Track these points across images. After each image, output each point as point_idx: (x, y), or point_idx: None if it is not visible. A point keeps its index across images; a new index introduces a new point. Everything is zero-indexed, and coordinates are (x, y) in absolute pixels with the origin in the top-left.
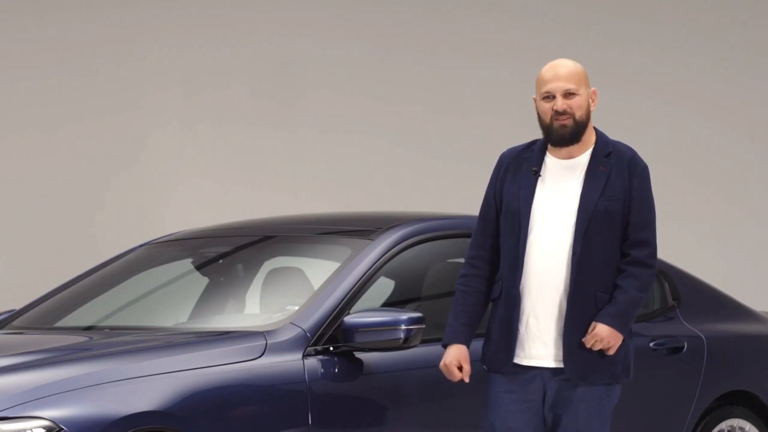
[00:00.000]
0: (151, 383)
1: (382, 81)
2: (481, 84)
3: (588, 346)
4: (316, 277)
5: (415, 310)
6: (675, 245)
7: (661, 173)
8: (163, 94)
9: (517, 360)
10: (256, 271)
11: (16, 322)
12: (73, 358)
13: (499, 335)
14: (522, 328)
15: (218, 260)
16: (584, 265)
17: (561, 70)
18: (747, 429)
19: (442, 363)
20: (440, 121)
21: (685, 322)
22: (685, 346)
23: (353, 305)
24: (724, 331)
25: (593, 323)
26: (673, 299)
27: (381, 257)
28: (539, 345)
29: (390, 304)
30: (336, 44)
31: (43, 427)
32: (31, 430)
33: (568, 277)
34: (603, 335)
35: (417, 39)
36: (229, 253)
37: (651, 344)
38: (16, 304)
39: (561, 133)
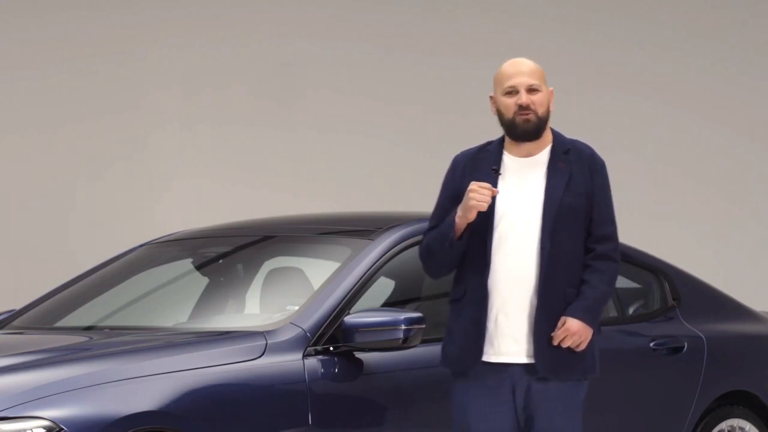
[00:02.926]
0: (151, 383)
1: (382, 81)
2: (481, 84)
3: (557, 341)
4: (316, 277)
5: (415, 310)
6: (675, 245)
7: (661, 173)
8: (163, 94)
9: (485, 358)
10: (256, 271)
11: (16, 322)
12: (73, 358)
13: (466, 334)
14: (491, 326)
15: (218, 260)
16: (553, 261)
17: (523, 66)
18: (747, 429)
19: (470, 189)
20: (440, 121)
21: (685, 322)
22: (685, 346)
23: (353, 305)
24: (724, 331)
25: (563, 318)
26: (673, 299)
27: (381, 257)
28: (510, 342)
29: (390, 304)
30: (336, 44)
31: (43, 427)
32: (31, 430)
33: (538, 273)
34: (573, 330)
35: (417, 39)
36: (229, 253)
37: (651, 344)
38: (16, 304)
39: (525, 128)
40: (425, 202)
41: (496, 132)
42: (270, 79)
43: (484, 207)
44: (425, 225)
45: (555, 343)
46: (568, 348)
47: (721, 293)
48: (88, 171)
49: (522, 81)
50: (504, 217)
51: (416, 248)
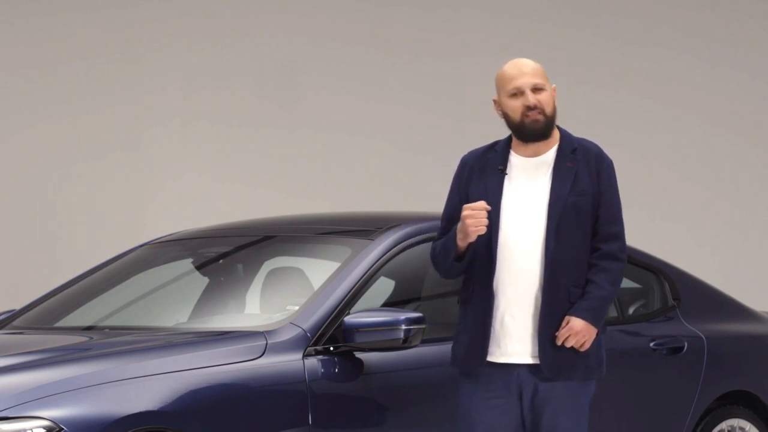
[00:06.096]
0: (151, 383)
1: (382, 81)
2: (482, 85)
3: (561, 341)
4: (316, 277)
5: (415, 310)
6: (675, 245)
7: (661, 173)
8: (163, 94)
9: (492, 358)
10: (256, 271)
11: (16, 322)
12: (73, 358)
13: (473, 334)
14: (497, 326)
15: (218, 260)
16: (557, 261)
17: (525, 66)
18: (747, 429)
19: (465, 215)
20: (440, 122)
21: (685, 322)
22: (685, 346)
23: (353, 305)
24: (724, 331)
25: (567, 318)
26: (673, 299)
27: (381, 257)
28: (515, 342)
29: (390, 304)
30: (336, 44)
31: (43, 427)
32: (31, 430)
33: (542, 273)
34: (577, 329)
35: (417, 39)
36: (229, 253)
37: (651, 344)
38: (16, 304)
39: (534, 128)
40: (425, 202)
41: (495, 132)
42: (270, 79)
43: (483, 230)
44: (425, 225)
45: (559, 342)
46: (572, 348)
47: (721, 293)
48: (88, 170)
49: (526, 81)
50: (509, 218)
51: (417, 248)
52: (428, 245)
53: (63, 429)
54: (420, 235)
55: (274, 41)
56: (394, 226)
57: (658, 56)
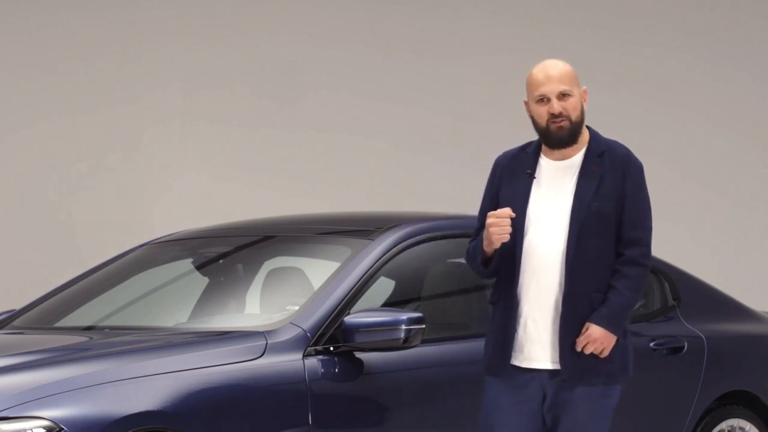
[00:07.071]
0: (151, 383)
1: (382, 81)
2: (482, 85)
3: (580, 348)
4: (316, 277)
5: (415, 310)
6: (675, 245)
7: (661, 173)
8: (163, 94)
9: (516, 362)
10: (256, 271)
11: (16, 322)
12: (73, 358)
13: (497, 338)
14: (520, 331)
15: (218, 260)
16: (578, 266)
17: (553, 71)
18: (747, 429)
19: (489, 223)
20: (440, 122)
21: (685, 322)
22: (685, 346)
23: (353, 305)
24: (724, 331)
25: (586, 324)
26: (673, 299)
27: (381, 257)
28: (537, 348)
29: (390, 304)
30: (336, 44)
31: (43, 427)
32: (31, 430)
33: (563, 280)
34: (595, 336)
35: (417, 39)
36: (229, 253)
37: (651, 344)
38: (16, 304)
39: (559, 136)
40: (425, 202)
41: (495, 133)
42: (270, 79)
43: (506, 238)
44: (425, 225)
45: (578, 349)
46: (593, 354)
47: (721, 293)
48: (88, 170)
49: (552, 88)
50: (534, 224)
51: (417, 248)
52: (428, 245)
53: (63, 429)
54: (420, 235)
55: (274, 41)
56: (394, 226)
57: (658, 56)
